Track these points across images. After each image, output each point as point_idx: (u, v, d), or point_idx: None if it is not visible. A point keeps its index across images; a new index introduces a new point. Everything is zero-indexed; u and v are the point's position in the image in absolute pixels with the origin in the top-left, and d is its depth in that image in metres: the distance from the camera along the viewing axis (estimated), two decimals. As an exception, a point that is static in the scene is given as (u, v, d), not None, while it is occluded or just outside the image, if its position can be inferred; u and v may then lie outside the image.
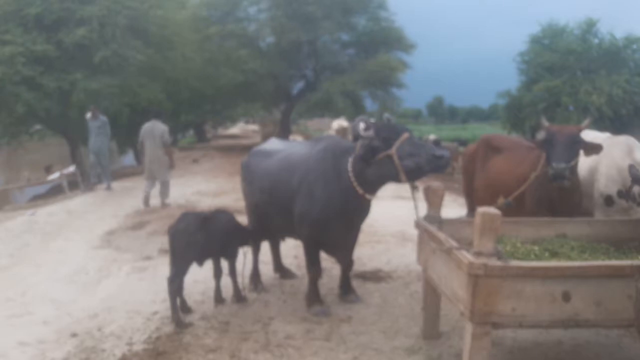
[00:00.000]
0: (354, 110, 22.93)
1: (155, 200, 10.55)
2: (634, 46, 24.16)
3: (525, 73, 26.59)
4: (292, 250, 6.52)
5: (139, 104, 16.53)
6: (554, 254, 3.88)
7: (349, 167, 4.50)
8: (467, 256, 3.15)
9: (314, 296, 4.96)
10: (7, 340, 4.43)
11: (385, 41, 22.80)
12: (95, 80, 14.80)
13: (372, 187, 4.54)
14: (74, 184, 13.22)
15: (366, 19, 23.25)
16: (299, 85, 25.04)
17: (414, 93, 25.59)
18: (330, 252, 5.07)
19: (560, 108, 24.33)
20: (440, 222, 4.11)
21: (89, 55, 14.89)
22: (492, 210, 3.12)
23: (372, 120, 4.70)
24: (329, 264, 5.63)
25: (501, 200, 4.62)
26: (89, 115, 12.83)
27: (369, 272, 6.01)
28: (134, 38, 15.84)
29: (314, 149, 4.92)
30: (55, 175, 12.82)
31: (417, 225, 4.21)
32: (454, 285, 3.39)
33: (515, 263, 3.18)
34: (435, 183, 4.20)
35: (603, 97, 22.22)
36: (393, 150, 4.22)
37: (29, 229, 8.49)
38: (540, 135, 4.84)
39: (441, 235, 3.63)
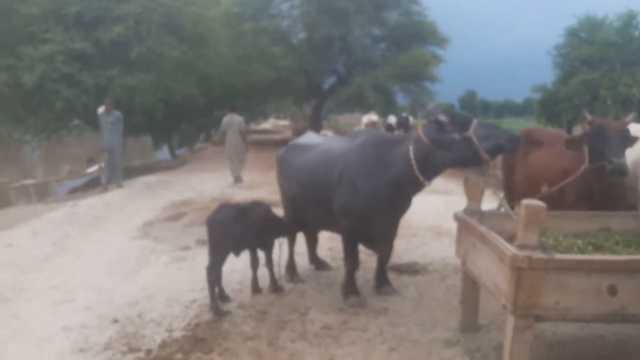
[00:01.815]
0: (385, 105, 22.85)
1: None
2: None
3: (561, 66, 26.09)
4: (326, 242, 6.55)
5: (173, 99, 16.78)
6: (598, 248, 3.79)
7: (411, 154, 4.48)
8: (510, 249, 3.11)
9: (350, 287, 4.97)
10: (52, 326, 4.56)
11: (418, 35, 22.60)
12: (131, 76, 15.07)
13: (434, 172, 4.56)
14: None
15: (398, 14, 23.08)
16: (330, 81, 25.03)
17: (446, 87, 25.34)
18: (370, 244, 5.06)
19: (598, 102, 23.78)
20: (481, 215, 4.07)
21: (125, 52, 15.19)
22: (536, 202, 3.07)
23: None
24: (364, 256, 5.62)
25: (545, 189, 4.53)
26: (101, 109, 12.47)
27: (405, 265, 5.99)
28: (168, 35, 16.12)
29: (352, 143, 4.91)
30: (94, 168, 13.10)
31: (457, 218, 4.17)
32: (496, 278, 3.36)
33: (559, 256, 3.13)
34: (474, 176, 4.16)
35: (644, 90, 21.63)
36: (471, 132, 4.28)
37: (69, 220, 8.70)
38: (584, 128, 4.70)
39: (483, 228, 3.59)
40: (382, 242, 5.00)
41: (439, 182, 11.73)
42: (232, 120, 13.23)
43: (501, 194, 4.44)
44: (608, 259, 3.19)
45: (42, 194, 14.97)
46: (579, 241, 3.91)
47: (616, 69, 23.30)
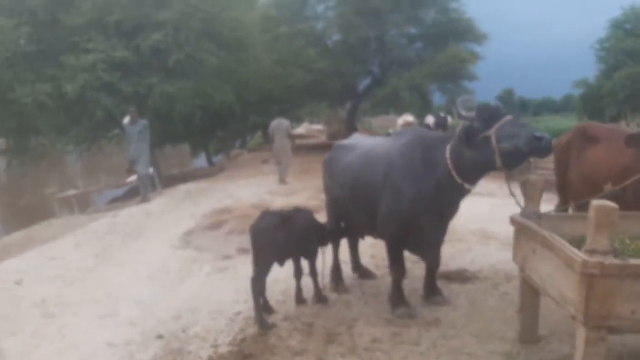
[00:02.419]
0: (422, 105, 22.41)
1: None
2: None
3: (604, 60, 25.22)
4: (368, 249, 6.34)
5: (211, 106, 16.77)
6: (670, 251, 3.49)
7: (447, 154, 4.21)
8: (579, 254, 2.86)
9: (398, 298, 4.75)
10: (96, 342, 4.50)
11: (455, 32, 22.11)
12: (170, 84, 15.10)
13: (471, 175, 4.18)
14: (152, 186, 13.55)
15: (435, 11, 22.65)
16: (365, 82, 24.74)
17: (482, 86, 24.68)
18: (416, 251, 4.83)
19: (644, 96, 22.89)
20: (539, 218, 3.80)
21: (164, 59, 15.21)
22: (607, 202, 2.82)
23: (473, 101, 4.36)
24: (410, 263, 5.40)
25: (609, 187, 4.22)
26: (127, 119, 12.12)
27: (453, 272, 5.72)
28: (207, 41, 16.09)
29: (397, 142, 4.68)
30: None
31: (514, 221, 3.91)
32: (562, 286, 3.11)
33: (634, 261, 2.86)
34: (533, 176, 3.90)
35: (694, 82, 20.68)
36: (492, 131, 3.89)
37: (111, 230, 8.73)
38: None
39: (545, 232, 3.34)
40: (429, 248, 4.74)
41: (481, 184, 11.43)
42: (280, 124, 13.75)
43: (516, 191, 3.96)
44: (690, 265, 2.89)
45: (83, 204, 15.15)
46: (647, 244, 3.62)
47: (663, 61, 22.37)
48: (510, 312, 4.61)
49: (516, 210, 3.96)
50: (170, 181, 16.23)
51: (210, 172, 19.90)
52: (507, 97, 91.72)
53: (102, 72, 14.36)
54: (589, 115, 25.64)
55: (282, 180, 13.51)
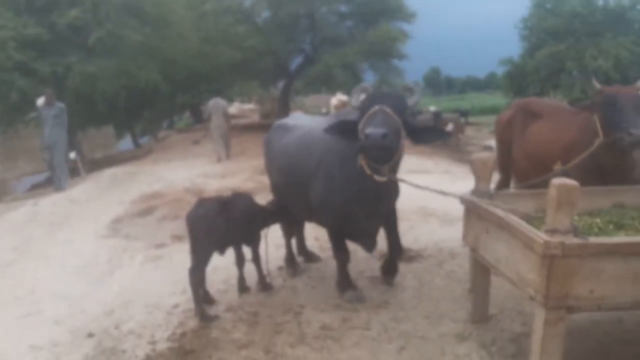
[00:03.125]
0: (355, 83, 22.32)
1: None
2: (639, 7, 23.58)
3: (527, 39, 26.09)
4: (312, 231, 6.12)
5: (137, 86, 15.95)
6: (620, 227, 3.51)
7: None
8: (540, 235, 2.76)
9: (345, 282, 4.59)
10: (18, 344, 4.08)
11: (385, 11, 22.10)
12: (91, 63, 14.27)
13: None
14: (75, 171, 12.74)
15: (364, -12, 22.51)
16: (297, 61, 24.37)
17: (411, 64, 24.88)
18: (355, 239, 4.58)
19: (564, 73, 23.89)
20: (491, 197, 3.72)
21: (84, 37, 14.35)
22: (568, 181, 2.73)
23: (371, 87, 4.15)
24: (353, 245, 5.24)
25: (558, 166, 4.19)
26: (40, 101, 10.96)
27: (399, 251, 5.63)
28: (129, 17, 15.25)
29: None
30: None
31: (464, 200, 3.81)
32: (521, 268, 3.01)
33: (595, 240, 2.81)
34: (484, 154, 3.80)
35: (610, 60, 21.78)
36: (360, 126, 3.73)
37: (32, 220, 8.11)
38: (597, 98, 4.33)
39: (501, 212, 3.24)
40: (367, 237, 4.51)
41: (416, 162, 11.49)
42: (217, 103, 14.19)
43: None
44: (649, 241, 2.87)
45: (0, 192, 14.12)
46: (597, 220, 3.62)
47: (582, 40, 23.34)
48: (459, 291, 4.58)
49: (451, 187, 3.86)
50: (94, 165, 15.37)
51: (137, 154, 19.07)
52: (433, 76, 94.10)
53: (14, 50, 13.31)
54: (514, 93, 26.56)
55: (220, 159, 13.70)
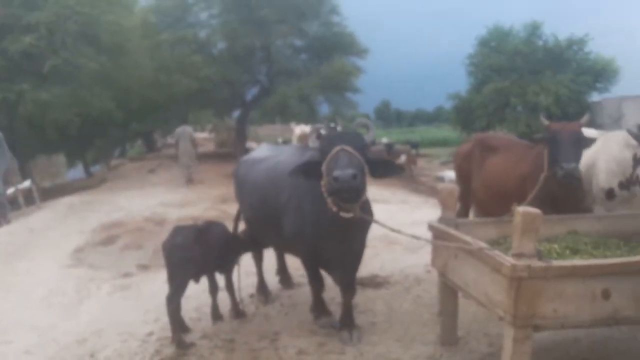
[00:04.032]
0: (309, 115, 22.76)
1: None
2: (575, 47, 25.13)
3: (474, 75, 27.22)
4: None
5: (90, 114, 15.71)
6: (575, 252, 3.83)
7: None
8: (508, 259, 3.03)
9: (319, 308, 4.74)
10: (-11, 377, 4.01)
11: (338, 46, 22.75)
12: (44, 90, 14.00)
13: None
14: (29, 200, 12.40)
15: (318, 24, 23.11)
16: (253, 91, 24.64)
17: (363, 97, 25.58)
18: (328, 271, 4.61)
19: (509, 108, 25.04)
20: (456, 224, 4.00)
21: (38, 64, 14.09)
22: (532, 209, 3.02)
23: (329, 127, 4.26)
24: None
25: (515, 207, 4.51)
26: None
27: (366, 278, 5.83)
28: (85, 45, 15.06)
29: (302, 159, 4.29)
30: (10, 191, 11.80)
31: (432, 228, 4.07)
32: (489, 289, 3.27)
33: (557, 263, 3.09)
34: (449, 185, 4.08)
35: (550, 96, 23.00)
36: (324, 166, 3.72)
37: (-13, 251, 7.86)
38: (544, 133, 4.75)
39: (469, 239, 3.50)
40: (340, 269, 4.43)
41: (376, 192, 11.81)
42: (185, 130, 15.85)
43: None
44: (603, 263, 3.18)
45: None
46: (555, 245, 3.93)
47: (524, 77, 24.61)
48: (427, 315, 4.80)
49: (410, 216, 4.11)
50: (46, 194, 14.94)
51: (91, 183, 18.66)
52: (384, 109, 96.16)
53: None
54: (462, 127, 27.59)
55: (190, 181, 15.09)
